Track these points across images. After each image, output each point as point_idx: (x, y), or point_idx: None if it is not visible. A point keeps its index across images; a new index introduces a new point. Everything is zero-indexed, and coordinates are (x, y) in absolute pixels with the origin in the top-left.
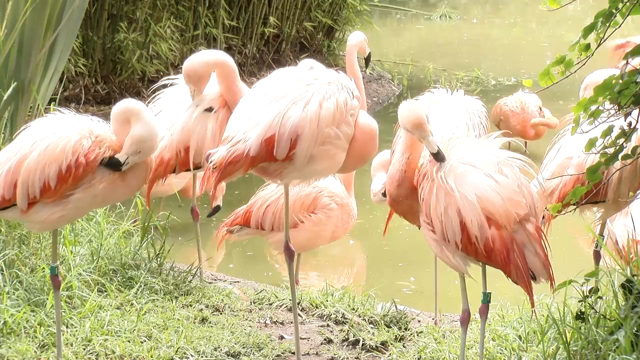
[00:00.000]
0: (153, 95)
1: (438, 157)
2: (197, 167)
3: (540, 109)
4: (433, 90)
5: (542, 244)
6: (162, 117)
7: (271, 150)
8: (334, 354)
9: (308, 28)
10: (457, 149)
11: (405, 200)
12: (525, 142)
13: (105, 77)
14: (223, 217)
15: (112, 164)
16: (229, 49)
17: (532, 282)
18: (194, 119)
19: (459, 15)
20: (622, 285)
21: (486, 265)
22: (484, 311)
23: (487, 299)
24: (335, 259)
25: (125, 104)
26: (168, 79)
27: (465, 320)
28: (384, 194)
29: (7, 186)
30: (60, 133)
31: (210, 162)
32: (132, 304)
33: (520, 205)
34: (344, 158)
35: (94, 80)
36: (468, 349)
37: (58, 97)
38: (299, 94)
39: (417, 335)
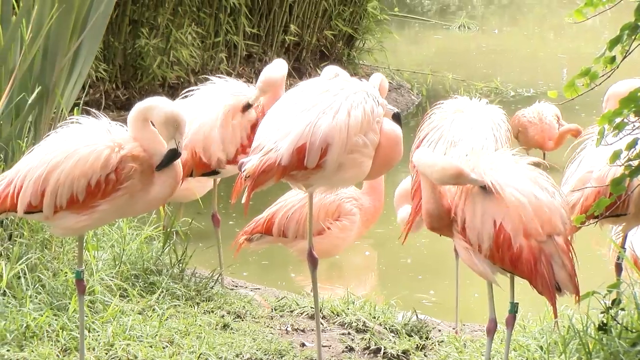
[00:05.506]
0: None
1: (486, 188)
2: (215, 172)
3: (558, 118)
4: (456, 98)
5: (570, 257)
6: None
7: (302, 158)
8: None
9: (328, 36)
10: (493, 163)
11: (448, 225)
12: (544, 154)
13: (126, 82)
14: (242, 225)
15: (171, 157)
16: (249, 57)
17: (557, 293)
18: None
19: (477, 26)
20: None
21: (514, 276)
22: (511, 322)
23: (514, 309)
24: (353, 270)
25: (137, 107)
26: (189, 90)
27: (492, 329)
28: None
29: (35, 194)
30: (92, 146)
31: (243, 171)
32: (154, 310)
33: (558, 217)
34: (370, 165)
35: (114, 86)
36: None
37: (81, 102)
38: (327, 103)
39: (439, 344)
